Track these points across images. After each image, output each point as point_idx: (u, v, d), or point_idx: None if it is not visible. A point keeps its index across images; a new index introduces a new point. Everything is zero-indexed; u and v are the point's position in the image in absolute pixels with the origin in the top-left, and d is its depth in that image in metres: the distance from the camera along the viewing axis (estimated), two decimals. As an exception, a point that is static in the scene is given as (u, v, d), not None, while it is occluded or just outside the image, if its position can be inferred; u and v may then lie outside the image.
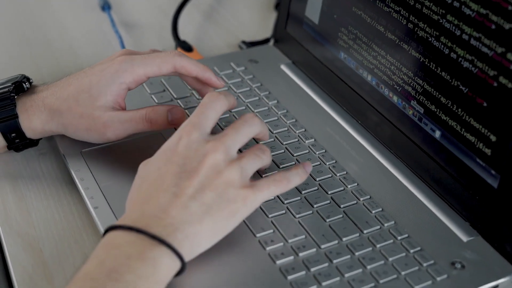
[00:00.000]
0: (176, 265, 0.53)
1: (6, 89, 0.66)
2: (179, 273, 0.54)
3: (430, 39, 0.63)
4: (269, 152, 0.61)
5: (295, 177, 0.60)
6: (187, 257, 0.54)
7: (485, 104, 0.59)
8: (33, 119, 0.65)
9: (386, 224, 0.62)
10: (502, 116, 0.57)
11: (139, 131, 0.66)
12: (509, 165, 0.57)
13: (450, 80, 0.62)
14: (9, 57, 0.89)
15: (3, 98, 0.65)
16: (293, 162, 0.68)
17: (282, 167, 0.68)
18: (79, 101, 0.64)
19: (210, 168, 0.56)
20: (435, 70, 0.63)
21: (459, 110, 0.61)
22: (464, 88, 0.61)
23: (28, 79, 0.68)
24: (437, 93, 0.64)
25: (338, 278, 0.57)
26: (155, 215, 0.54)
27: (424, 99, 0.65)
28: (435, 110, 0.64)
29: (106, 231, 0.54)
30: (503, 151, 0.58)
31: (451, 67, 0.61)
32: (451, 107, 0.62)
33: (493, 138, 0.58)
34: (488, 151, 0.59)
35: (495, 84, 0.57)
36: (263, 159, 0.60)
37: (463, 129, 0.61)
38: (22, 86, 0.67)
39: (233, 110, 0.75)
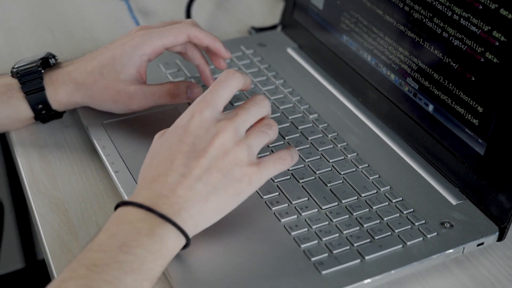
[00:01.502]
0: (181, 241, 0.57)
1: (34, 64, 0.72)
2: (184, 247, 0.58)
3: (424, 20, 0.69)
4: (276, 126, 0.64)
5: (295, 155, 0.64)
6: (191, 234, 0.58)
7: (473, 79, 0.64)
8: (59, 91, 0.71)
9: (382, 189, 0.67)
10: (488, 89, 0.63)
11: (161, 103, 0.72)
12: (494, 134, 0.63)
13: (442, 58, 0.67)
14: (34, 43, 0.95)
15: (31, 72, 0.71)
16: (298, 135, 0.74)
17: (288, 139, 0.73)
18: (103, 74, 0.70)
19: (218, 149, 0.59)
20: (429, 48, 0.69)
21: (450, 85, 0.67)
22: (454, 65, 0.66)
23: (54, 56, 0.74)
24: (431, 70, 0.69)
25: (337, 235, 0.62)
26: (163, 194, 0.57)
27: (419, 76, 0.71)
28: (429, 85, 0.70)
29: (118, 205, 0.58)
30: (489, 121, 0.63)
31: (443, 46, 0.67)
32: (443, 82, 0.68)
33: (480, 109, 0.64)
34: (475, 121, 0.65)
35: (482, 60, 0.63)
36: (269, 134, 0.62)
37: (453, 102, 0.67)
38: (48, 61, 0.73)
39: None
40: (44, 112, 0.72)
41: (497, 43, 0.61)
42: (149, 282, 0.54)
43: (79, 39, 0.96)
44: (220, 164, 0.59)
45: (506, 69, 0.61)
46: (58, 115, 0.75)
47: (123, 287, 0.52)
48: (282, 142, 0.73)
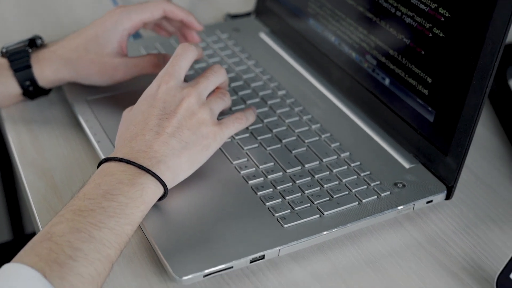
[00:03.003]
0: (159, 190, 0.64)
1: (22, 44, 0.78)
2: (162, 197, 0.65)
3: (380, 1, 0.75)
4: (229, 95, 0.73)
5: (250, 116, 0.74)
6: (169, 185, 0.65)
7: (423, 52, 0.71)
8: (45, 68, 0.77)
9: (342, 155, 0.74)
10: (436, 61, 0.69)
11: (143, 73, 0.79)
12: (441, 102, 0.69)
13: (396, 35, 0.74)
14: (26, 31, 1.00)
15: (20, 51, 0.77)
16: (267, 109, 0.80)
17: (258, 112, 0.79)
18: (88, 49, 0.77)
19: (186, 110, 0.67)
20: (384, 27, 0.75)
21: (404, 59, 0.73)
22: (407, 40, 0.72)
23: (40, 38, 0.80)
24: (386, 47, 0.75)
25: (299, 194, 0.69)
26: (141, 150, 0.64)
27: (377, 53, 0.77)
28: (385, 61, 0.76)
29: (101, 162, 0.65)
30: (437, 90, 0.70)
31: (396, 24, 0.73)
32: (397, 57, 0.74)
33: (429, 80, 0.70)
34: (425, 92, 0.71)
35: (430, 35, 0.69)
36: (225, 101, 0.72)
37: (406, 75, 0.73)
38: (35, 42, 0.79)
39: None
40: (31, 89, 0.78)
41: (442, 19, 0.68)
42: (131, 226, 0.60)
43: (66, 28, 1.01)
44: (188, 123, 0.66)
45: (451, 42, 0.67)
46: (45, 92, 0.81)
47: (106, 229, 0.59)
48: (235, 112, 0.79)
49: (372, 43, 0.77)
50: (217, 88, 0.73)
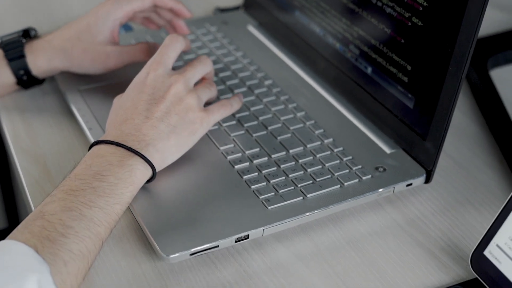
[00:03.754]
0: (148, 172, 0.66)
1: (16, 35, 0.81)
2: (150, 180, 0.67)
3: (362, -8, 0.78)
4: (215, 86, 0.77)
5: (235, 103, 0.77)
6: (157, 167, 0.67)
7: (403, 41, 0.73)
8: (39, 58, 0.80)
9: (326, 141, 0.76)
10: (415, 49, 0.72)
11: (135, 61, 0.81)
12: (420, 89, 0.72)
13: (377, 25, 0.76)
14: (19, 23, 1.03)
15: (14, 41, 0.80)
16: (254, 97, 0.83)
17: (244, 101, 0.82)
18: (81, 39, 0.79)
19: (174, 96, 0.70)
20: (366, 17, 0.78)
21: (385, 48, 0.76)
22: (387, 30, 0.75)
23: (34, 29, 0.83)
24: (368, 37, 0.78)
25: (283, 178, 0.71)
26: (131, 133, 0.67)
27: (359, 42, 0.80)
28: (367, 50, 0.79)
29: (92, 145, 0.67)
30: (416, 77, 0.72)
31: (377, 14, 0.76)
32: (379, 46, 0.77)
33: (409, 67, 0.73)
34: (405, 79, 0.74)
35: (409, 24, 0.72)
36: (212, 91, 0.76)
37: (387, 63, 0.76)
38: (29, 33, 0.81)
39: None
40: (25, 78, 0.81)
41: (421, 8, 0.70)
42: (120, 206, 0.63)
43: (59, 22, 1.04)
44: (176, 108, 0.69)
45: (429, 30, 0.70)
46: (38, 81, 0.83)
47: (97, 208, 0.61)
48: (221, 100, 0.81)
49: (355, 33, 0.80)
50: (203, 78, 0.76)
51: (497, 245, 0.61)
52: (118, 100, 0.72)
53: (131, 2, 0.81)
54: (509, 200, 0.61)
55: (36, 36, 0.82)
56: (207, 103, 0.76)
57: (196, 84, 0.74)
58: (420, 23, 0.71)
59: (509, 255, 0.60)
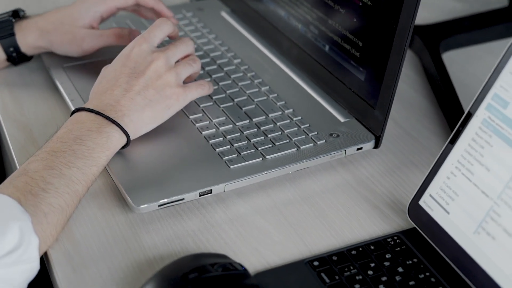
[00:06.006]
0: (123, 139, 0.73)
1: (6, 15, 0.88)
2: (125, 146, 0.74)
3: (320, -23, 0.86)
4: (199, 61, 0.83)
5: (211, 86, 0.83)
6: (132, 136, 0.74)
7: (354, 20, 0.81)
8: (27, 36, 0.87)
9: (286, 111, 0.84)
10: (365, 26, 0.80)
11: (108, 44, 0.88)
12: (370, 63, 0.80)
13: (333, 6, 0.84)
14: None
15: (4, 21, 0.87)
16: (223, 74, 0.90)
17: (214, 77, 0.89)
18: (63, 22, 0.87)
19: (154, 72, 0.76)
20: (324, 0, 0.85)
21: (340, 27, 0.84)
22: (342, 10, 0.83)
23: (23, 10, 0.90)
24: (326, 17, 0.86)
25: (245, 142, 0.79)
26: (109, 103, 0.74)
27: (318, 23, 0.87)
28: (325, 30, 0.86)
29: (74, 112, 0.74)
30: (367, 52, 0.80)
31: (333, -4, 0.84)
32: (335, 26, 0.84)
33: (360, 44, 0.81)
34: (357, 54, 0.81)
35: (360, 4, 0.80)
36: (194, 67, 0.82)
37: (342, 41, 0.84)
38: (18, 13, 0.89)
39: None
40: (15, 55, 0.88)
41: (369, -10, 0.78)
42: (97, 168, 0.70)
43: (48, 8, 1.11)
44: (154, 84, 0.76)
45: (377, 9, 0.77)
46: (27, 58, 0.91)
47: (75, 169, 0.68)
48: (209, 79, 0.89)
49: (315, 15, 0.88)
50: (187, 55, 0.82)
51: (430, 195, 0.68)
52: (104, 70, 0.79)
53: None
54: (440, 156, 0.68)
55: (24, 17, 0.90)
56: (190, 79, 0.83)
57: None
58: (369, 3, 0.78)
59: (440, 203, 0.67)
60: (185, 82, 0.81)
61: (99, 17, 0.89)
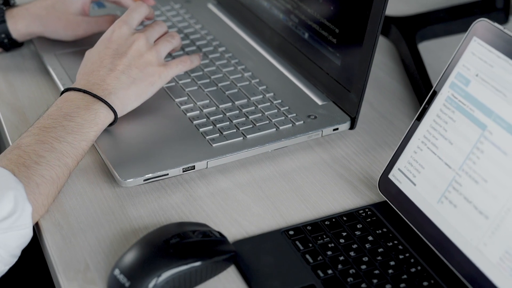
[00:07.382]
0: (110, 116, 0.77)
1: (-4, 3, 0.93)
2: (112, 123, 0.78)
3: (300, -32, 0.90)
4: (178, 36, 0.88)
5: (195, 60, 0.88)
6: (119, 113, 0.78)
7: (332, 8, 0.86)
8: (18, 23, 0.92)
9: (267, 95, 0.88)
10: (341, 13, 0.84)
11: (102, 30, 0.92)
12: (345, 49, 0.84)
13: (312, -5, 0.89)
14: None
15: (-5, 8, 0.92)
16: (208, 61, 0.95)
17: (200, 64, 0.94)
18: (56, 8, 0.91)
19: (135, 51, 0.81)
20: (304, -10, 0.90)
21: (318, 15, 0.88)
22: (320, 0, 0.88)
23: (13, -1, 0.95)
24: (305, 6, 0.90)
25: (228, 123, 0.83)
26: (96, 83, 0.78)
27: (298, 12, 0.92)
28: (304, 18, 0.91)
29: (63, 92, 0.78)
30: (343, 38, 0.84)
31: (312, -14, 0.88)
32: (314, 14, 0.89)
33: (337, 30, 0.85)
34: (334, 40, 0.86)
35: (337, -7, 0.84)
36: (173, 43, 0.86)
37: (320, 28, 0.88)
38: (9, 1, 0.94)
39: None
40: (6, 41, 0.93)
41: (345, -21, 0.83)
42: (86, 142, 0.74)
43: None
44: (137, 62, 0.80)
45: (351, -3, 0.82)
46: (18, 44, 0.95)
47: (66, 143, 0.72)
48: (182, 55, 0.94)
49: (295, 4, 0.92)
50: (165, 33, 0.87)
51: (399, 169, 0.73)
52: (88, 53, 0.83)
53: None
54: (408, 132, 0.73)
55: (15, 5, 0.94)
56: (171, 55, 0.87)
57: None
58: (345, -8, 0.83)
59: (407, 176, 0.72)
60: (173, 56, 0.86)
61: (89, 2, 0.94)
